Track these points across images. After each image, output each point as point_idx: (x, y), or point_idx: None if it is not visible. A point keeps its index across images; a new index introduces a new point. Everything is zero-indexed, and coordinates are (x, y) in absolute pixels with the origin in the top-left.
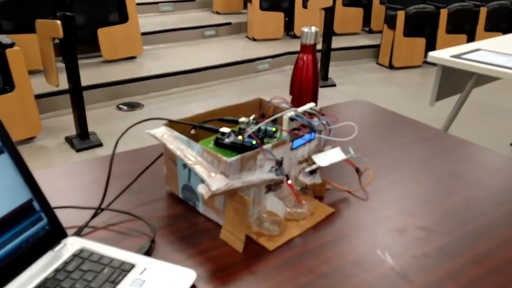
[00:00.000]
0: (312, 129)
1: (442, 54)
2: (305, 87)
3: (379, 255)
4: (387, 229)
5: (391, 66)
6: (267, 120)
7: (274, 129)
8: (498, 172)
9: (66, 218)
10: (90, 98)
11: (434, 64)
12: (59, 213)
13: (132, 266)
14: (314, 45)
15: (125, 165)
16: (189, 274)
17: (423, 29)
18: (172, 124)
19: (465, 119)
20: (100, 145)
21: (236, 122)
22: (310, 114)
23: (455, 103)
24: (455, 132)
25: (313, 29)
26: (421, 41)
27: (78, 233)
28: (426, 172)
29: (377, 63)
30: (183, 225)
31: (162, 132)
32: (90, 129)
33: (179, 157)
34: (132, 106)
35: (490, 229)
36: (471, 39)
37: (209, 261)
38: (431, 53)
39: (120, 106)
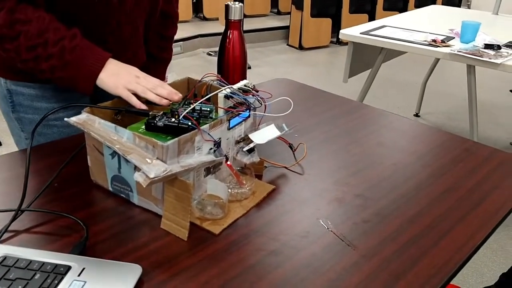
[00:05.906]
0: (248, 107)
1: (352, 32)
2: (233, 65)
3: (323, 225)
4: (327, 200)
5: (301, 47)
6: (202, 99)
7: (209, 108)
8: (418, 138)
9: None
10: None
11: (340, 44)
12: None
13: (68, 268)
14: (240, 20)
15: (41, 161)
16: (134, 269)
17: (329, 9)
18: (94, 110)
19: (371, 94)
20: None
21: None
22: (244, 91)
23: (366, 79)
24: None
25: (237, 3)
26: (327, 22)
27: None
28: (354, 143)
29: (288, 44)
30: (117, 219)
31: (84, 119)
32: None
33: (107, 146)
34: None
35: (419, 190)
36: (372, 18)
37: (152, 254)
38: (342, 31)
39: None
